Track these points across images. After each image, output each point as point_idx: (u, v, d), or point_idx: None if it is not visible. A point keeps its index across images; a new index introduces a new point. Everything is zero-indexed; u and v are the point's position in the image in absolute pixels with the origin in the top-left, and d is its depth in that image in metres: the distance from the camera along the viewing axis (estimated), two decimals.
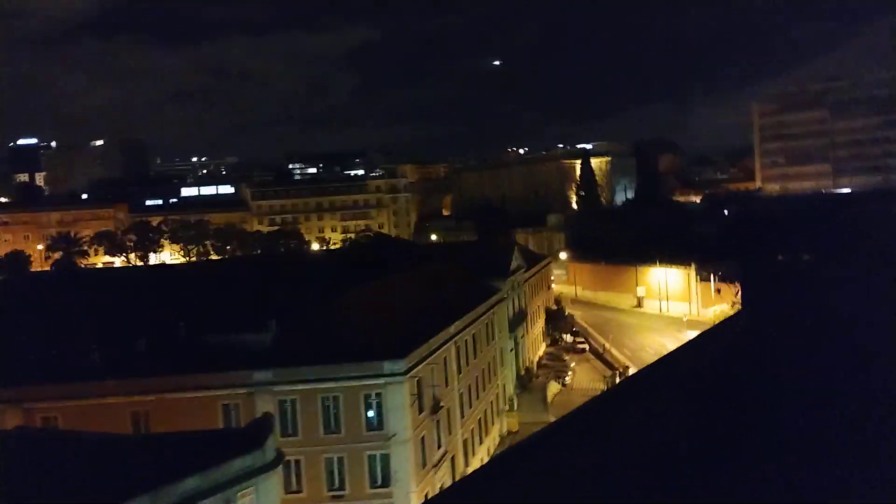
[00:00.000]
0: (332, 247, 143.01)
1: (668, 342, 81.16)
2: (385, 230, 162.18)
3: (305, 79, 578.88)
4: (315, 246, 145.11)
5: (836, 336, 10.95)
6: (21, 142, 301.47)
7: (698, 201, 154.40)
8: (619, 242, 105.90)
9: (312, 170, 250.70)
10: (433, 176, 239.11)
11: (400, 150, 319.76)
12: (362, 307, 45.57)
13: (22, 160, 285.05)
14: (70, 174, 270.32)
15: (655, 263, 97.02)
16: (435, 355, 44.72)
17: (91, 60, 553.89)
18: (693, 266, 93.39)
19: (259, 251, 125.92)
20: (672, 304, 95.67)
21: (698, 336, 15.82)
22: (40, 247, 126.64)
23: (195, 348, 41.71)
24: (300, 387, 38.70)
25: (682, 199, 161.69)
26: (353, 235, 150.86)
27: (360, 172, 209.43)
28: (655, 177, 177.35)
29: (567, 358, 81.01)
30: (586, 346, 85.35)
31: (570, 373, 75.35)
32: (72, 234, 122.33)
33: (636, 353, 78.88)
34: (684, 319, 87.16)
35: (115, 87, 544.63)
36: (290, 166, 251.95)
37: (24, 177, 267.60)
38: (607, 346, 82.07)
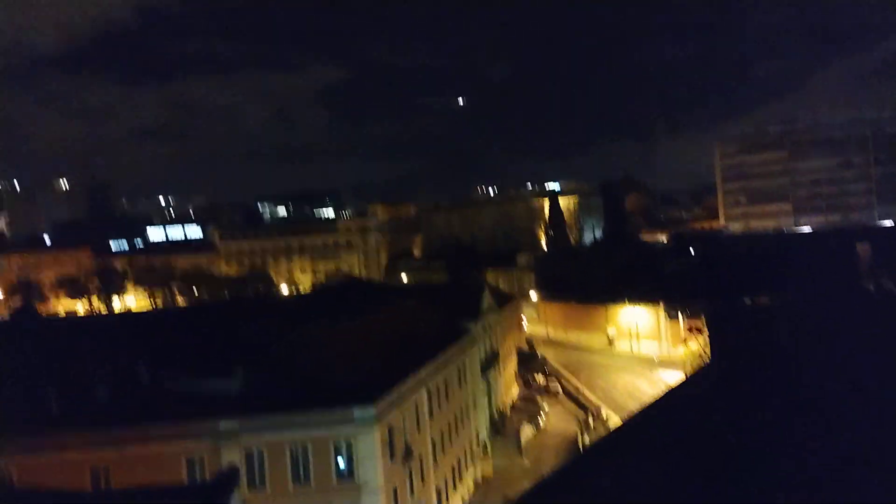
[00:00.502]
0: (302, 289, 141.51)
1: (641, 382, 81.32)
2: (355, 271, 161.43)
3: (275, 117, 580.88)
4: (284, 289, 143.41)
5: (802, 383, 10.96)
6: None
7: (665, 240, 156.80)
8: (588, 282, 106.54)
9: (282, 209, 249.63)
10: (403, 216, 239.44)
11: (369, 188, 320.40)
12: (331, 350, 44.84)
13: None
14: (33, 217, 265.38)
15: (625, 302, 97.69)
16: (406, 400, 44.03)
17: (56, 98, 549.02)
18: (661, 305, 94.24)
19: (227, 294, 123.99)
20: (643, 343, 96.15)
21: (671, 390, 15.76)
22: (0, 293, 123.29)
23: (159, 395, 40.52)
24: (267, 436, 37.67)
25: (649, 238, 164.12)
26: (323, 277, 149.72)
27: (330, 211, 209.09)
28: (623, 216, 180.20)
29: (540, 400, 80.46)
30: (559, 388, 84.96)
31: (543, 416, 74.76)
32: (32, 280, 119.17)
33: (609, 393, 78.74)
34: (656, 359, 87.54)
35: (81, 124, 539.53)
36: (260, 206, 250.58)
37: None
38: (580, 387, 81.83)
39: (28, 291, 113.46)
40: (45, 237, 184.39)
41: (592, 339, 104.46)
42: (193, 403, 38.84)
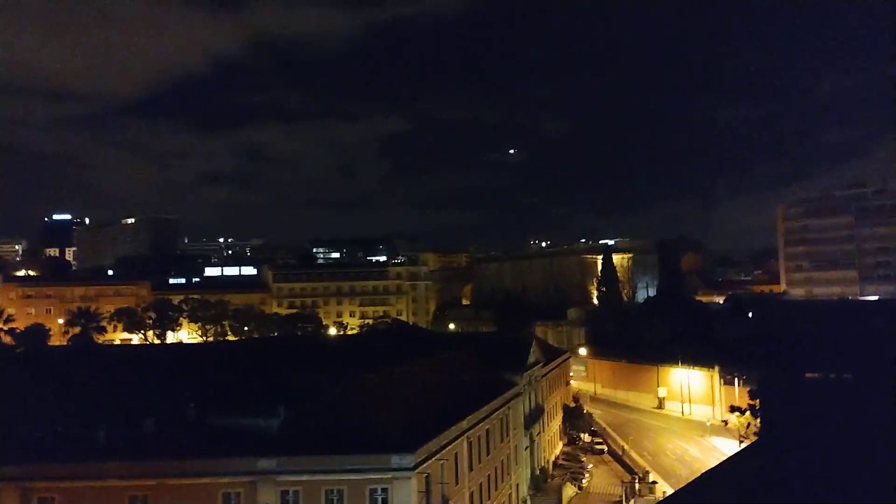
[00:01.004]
0: (350, 332, 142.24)
1: (691, 448, 78.10)
2: (403, 317, 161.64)
3: (336, 164, 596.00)
4: (332, 330, 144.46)
5: (851, 469, 10.15)
6: (56, 217, 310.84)
7: (721, 302, 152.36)
8: (640, 340, 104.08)
9: (336, 254, 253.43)
10: (454, 264, 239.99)
11: (423, 237, 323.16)
12: (374, 395, 44.54)
13: (54, 235, 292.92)
14: (99, 250, 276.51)
15: (678, 364, 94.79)
16: (446, 450, 43.18)
17: (131, 142, 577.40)
18: (717, 369, 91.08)
19: (276, 333, 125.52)
20: (695, 407, 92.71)
21: (725, 461, 14.89)
22: (61, 321, 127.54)
23: (202, 431, 40.87)
24: (304, 477, 37.36)
25: (704, 298, 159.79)
26: (371, 321, 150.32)
27: (383, 258, 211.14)
28: (678, 275, 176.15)
29: (584, 459, 77.96)
30: (604, 447, 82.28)
31: (587, 475, 72.28)
32: (92, 310, 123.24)
33: (657, 457, 75.83)
34: (707, 424, 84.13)
35: (155, 167, 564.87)
36: (314, 250, 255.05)
37: (54, 251, 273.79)
38: (626, 448, 79.05)
39: (87, 320, 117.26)
40: (109, 271, 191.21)
41: (642, 399, 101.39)
42: (235, 440, 39.04)
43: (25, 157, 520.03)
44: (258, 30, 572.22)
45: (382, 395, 45.12)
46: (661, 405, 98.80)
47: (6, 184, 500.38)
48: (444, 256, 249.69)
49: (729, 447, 70.23)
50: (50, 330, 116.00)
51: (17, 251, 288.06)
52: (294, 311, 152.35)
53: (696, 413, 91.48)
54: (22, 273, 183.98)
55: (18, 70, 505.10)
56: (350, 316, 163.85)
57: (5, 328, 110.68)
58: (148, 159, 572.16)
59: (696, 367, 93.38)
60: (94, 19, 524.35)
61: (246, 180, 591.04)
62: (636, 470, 70.77)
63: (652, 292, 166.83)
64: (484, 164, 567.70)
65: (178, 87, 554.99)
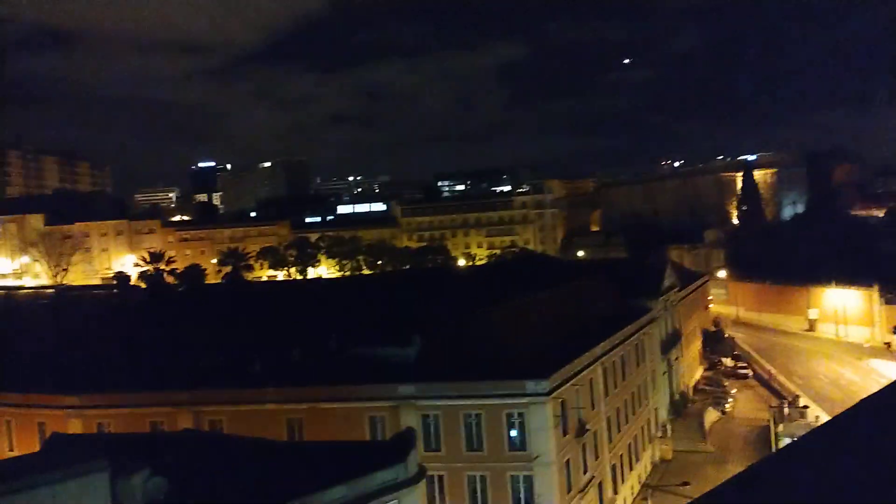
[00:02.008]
0: (478, 262, 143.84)
1: (846, 371, 73.23)
2: (531, 246, 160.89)
3: (456, 96, 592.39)
4: (461, 261, 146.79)
5: None
6: (201, 164, 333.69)
7: (882, 215, 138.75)
8: (787, 260, 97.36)
9: (460, 187, 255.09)
10: (581, 191, 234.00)
11: (548, 165, 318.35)
12: (506, 324, 44.79)
13: (201, 181, 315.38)
14: (241, 194, 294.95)
15: (831, 284, 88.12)
16: (580, 376, 42.92)
17: (259, 89, 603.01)
18: (876, 287, 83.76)
19: (408, 266, 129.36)
20: (851, 329, 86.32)
21: (878, 392, 13.30)
22: (214, 261, 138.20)
23: (344, 360, 43.09)
24: (443, 402, 38.58)
25: (862, 213, 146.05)
26: (498, 251, 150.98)
27: (507, 188, 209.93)
28: (830, 189, 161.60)
29: (727, 384, 75.27)
30: (749, 372, 78.91)
31: (730, 399, 69.87)
32: (240, 250, 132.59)
33: (808, 381, 71.77)
34: (866, 346, 78.32)
35: (282, 112, 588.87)
36: (439, 184, 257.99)
37: (203, 197, 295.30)
38: (774, 372, 75.33)
39: (237, 260, 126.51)
40: (252, 213, 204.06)
41: (790, 322, 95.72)
42: (376, 368, 40.85)
43: (167, 109, 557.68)
44: None
45: (515, 324, 45.28)
46: (811, 327, 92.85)
47: (155, 136, 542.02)
48: (569, 183, 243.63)
49: (892, 370, 65.12)
50: (205, 270, 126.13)
51: (171, 198, 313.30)
52: (423, 244, 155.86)
53: (851, 335, 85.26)
54: (177, 218, 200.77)
55: (149, 28, 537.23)
56: (478, 247, 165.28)
57: (168, 269, 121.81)
58: (275, 104, 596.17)
59: (852, 287, 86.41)
60: None
61: (368, 119, 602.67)
62: (785, 394, 67.45)
63: (800, 208, 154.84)
64: (608, 84, 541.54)
65: (298, 30, 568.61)
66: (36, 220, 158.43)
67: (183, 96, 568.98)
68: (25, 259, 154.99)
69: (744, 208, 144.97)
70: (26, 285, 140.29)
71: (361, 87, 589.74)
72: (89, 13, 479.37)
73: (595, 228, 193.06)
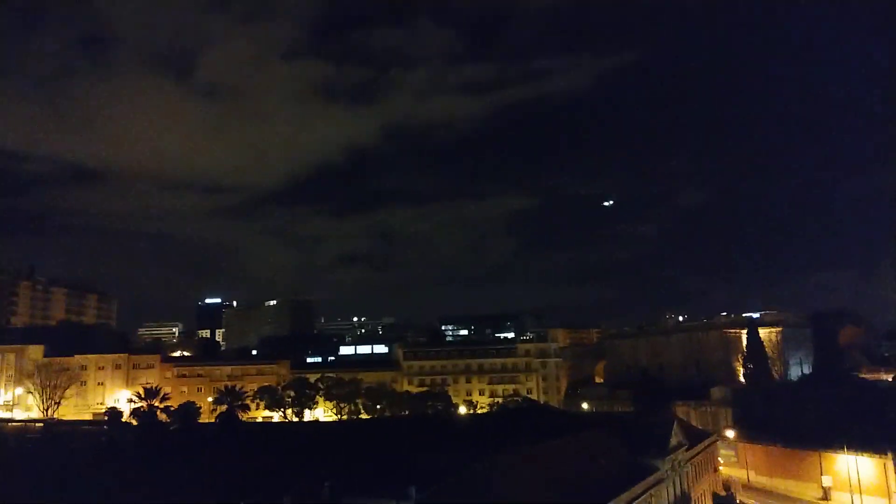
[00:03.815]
0: (480, 410, 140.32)
1: None
2: (534, 395, 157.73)
3: (466, 242, 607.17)
4: (462, 409, 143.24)
5: None
6: (208, 300, 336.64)
7: (890, 380, 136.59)
8: (797, 423, 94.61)
9: (464, 331, 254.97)
10: (585, 341, 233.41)
11: (552, 313, 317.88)
12: (508, 478, 42.92)
13: (206, 317, 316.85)
14: (245, 331, 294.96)
15: (843, 449, 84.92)
16: None
17: (274, 227, 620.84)
18: (890, 455, 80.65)
19: (406, 412, 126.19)
20: (866, 500, 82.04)
21: None
22: (210, 399, 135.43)
23: None
24: None
25: (869, 376, 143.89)
26: (500, 399, 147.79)
27: (511, 335, 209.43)
28: (837, 350, 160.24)
29: None
30: None
31: None
32: (238, 388, 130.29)
33: None
34: None
35: (294, 251, 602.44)
36: (443, 327, 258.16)
37: (205, 333, 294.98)
38: None
39: (233, 399, 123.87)
40: (253, 351, 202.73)
41: (802, 489, 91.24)
42: None
43: (181, 244, 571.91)
44: (389, 120, 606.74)
45: (516, 477, 43.42)
46: (826, 496, 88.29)
47: (166, 270, 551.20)
48: (574, 332, 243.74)
49: None
50: (200, 407, 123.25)
51: (174, 333, 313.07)
52: (424, 388, 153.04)
53: None
54: (178, 354, 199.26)
55: (172, 169, 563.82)
56: (479, 394, 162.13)
57: (161, 406, 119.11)
58: (288, 243, 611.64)
59: (864, 454, 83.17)
60: (248, 121, 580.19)
61: (379, 261, 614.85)
62: None
63: (807, 369, 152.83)
64: (614, 237, 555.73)
65: (315, 175, 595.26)
66: (35, 351, 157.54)
67: (197, 232, 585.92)
68: (19, 391, 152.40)
69: (750, 366, 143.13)
70: (16, 418, 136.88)
71: (373, 230, 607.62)
72: (114, 153, 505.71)
73: (599, 380, 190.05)
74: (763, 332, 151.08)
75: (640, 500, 51.98)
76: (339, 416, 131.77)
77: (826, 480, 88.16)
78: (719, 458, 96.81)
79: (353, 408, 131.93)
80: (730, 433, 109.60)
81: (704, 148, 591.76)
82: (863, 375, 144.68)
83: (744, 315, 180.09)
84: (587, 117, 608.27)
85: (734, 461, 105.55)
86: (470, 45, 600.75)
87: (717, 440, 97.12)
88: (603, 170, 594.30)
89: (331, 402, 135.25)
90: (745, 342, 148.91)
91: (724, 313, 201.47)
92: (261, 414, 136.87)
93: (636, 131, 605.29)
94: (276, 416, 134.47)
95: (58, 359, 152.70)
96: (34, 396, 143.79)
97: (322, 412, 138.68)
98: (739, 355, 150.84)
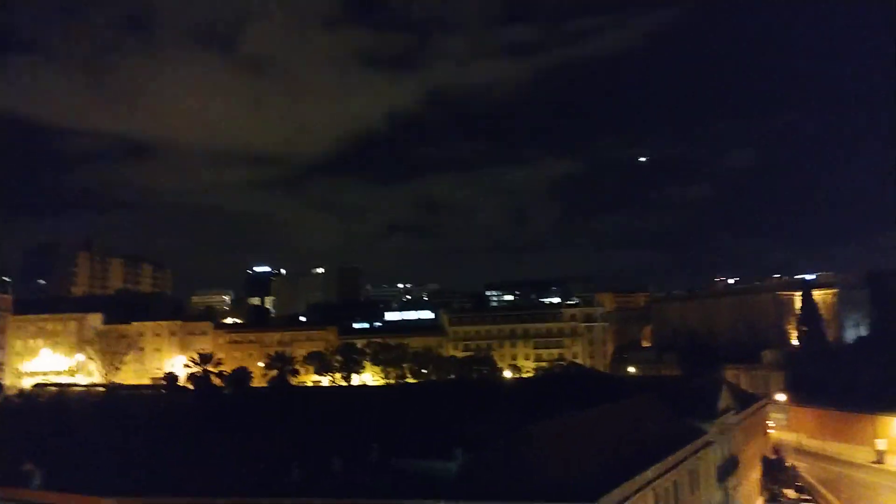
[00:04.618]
0: (525, 375, 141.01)
1: None
2: (579, 360, 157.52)
3: (510, 209, 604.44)
4: (507, 373, 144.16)
5: None
6: (256, 269, 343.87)
7: None
8: (852, 385, 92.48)
9: (509, 297, 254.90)
10: (632, 305, 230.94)
11: (599, 278, 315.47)
12: (553, 442, 43.14)
13: (256, 285, 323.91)
14: (293, 298, 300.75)
15: None
16: (629, 501, 40.50)
17: (319, 198, 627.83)
18: None
19: (452, 376, 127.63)
20: None
21: None
22: (261, 364, 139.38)
23: (384, 472, 41.96)
24: None
25: None
26: (546, 364, 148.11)
27: (556, 300, 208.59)
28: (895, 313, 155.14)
29: None
30: None
31: None
32: (287, 354, 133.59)
33: None
34: None
35: (339, 220, 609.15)
36: (488, 293, 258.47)
37: (256, 300, 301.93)
38: None
39: (283, 364, 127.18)
40: (301, 318, 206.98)
41: (856, 453, 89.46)
42: (416, 482, 39.54)
43: (230, 215, 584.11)
44: (432, 86, 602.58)
45: (562, 442, 43.60)
46: (880, 459, 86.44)
47: (216, 240, 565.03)
48: (620, 297, 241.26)
49: None
50: (251, 372, 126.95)
51: (226, 301, 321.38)
52: (469, 353, 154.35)
53: None
54: (229, 321, 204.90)
55: (227, 142, 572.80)
56: (525, 359, 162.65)
57: (215, 371, 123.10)
58: (333, 213, 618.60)
59: None
60: (291, 92, 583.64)
61: (423, 229, 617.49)
62: None
63: (864, 331, 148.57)
64: (662, 200, 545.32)
65: (359, 144, 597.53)
66: (95, 319, 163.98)
67: (244, 204, 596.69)
68: (80, 357, 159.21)
69: (804, 329, 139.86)
70: (79, 383, 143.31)
71: (417, 198, 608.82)
72: (166, 126, 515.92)
73: (646, 344, 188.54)
74: (818, 295, 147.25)
75: (687, 462, 51.71)
76: (385, 380, 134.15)
77: (881, 444, 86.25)
78: (769, 422, 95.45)
79: (399, 372, 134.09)
80: (781, 396, 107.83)
81: (754, 109, 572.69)
82: None
83: (797, 277, 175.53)
84: (630, 78, 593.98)
85: (785, 425, 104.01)
86: (509, 7, 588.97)
87: (768, 403, 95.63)
88: (648, 132, 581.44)
89: (378, 366, 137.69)
90: (798, 305, 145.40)
91: (777, 276, 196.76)
92: (310, 378, 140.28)
93: (680, 92, 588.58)
94: (325, 381, 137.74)
95: (116, 326, 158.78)
96: (95, 362, 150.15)
97: (370, 377, 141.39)
98: (793, 318, 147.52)
